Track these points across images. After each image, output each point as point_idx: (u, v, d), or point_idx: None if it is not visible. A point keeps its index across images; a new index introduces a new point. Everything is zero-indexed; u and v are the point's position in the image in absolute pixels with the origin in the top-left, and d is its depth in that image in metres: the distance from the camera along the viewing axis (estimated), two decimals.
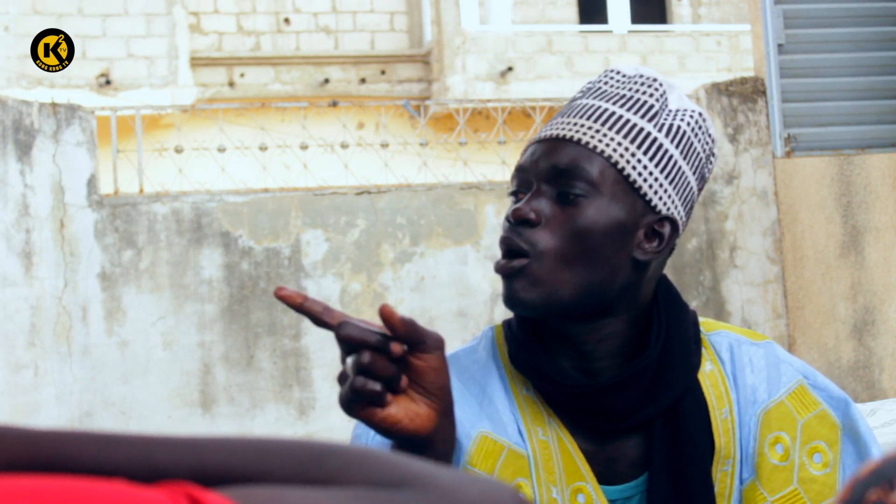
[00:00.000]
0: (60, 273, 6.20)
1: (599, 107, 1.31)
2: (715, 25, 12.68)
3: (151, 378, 6.26)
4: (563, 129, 1.30)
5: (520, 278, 1.26)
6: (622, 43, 12.04)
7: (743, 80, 6.99)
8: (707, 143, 1.34)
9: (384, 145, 7.00)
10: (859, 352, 6.18)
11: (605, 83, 1.34)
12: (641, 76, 1.33)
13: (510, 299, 1.27)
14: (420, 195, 6.61)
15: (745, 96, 6.94)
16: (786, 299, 6.84)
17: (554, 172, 1.27)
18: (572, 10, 12.91)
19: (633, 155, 1.28)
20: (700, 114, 1.33)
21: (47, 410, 6.08)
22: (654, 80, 1.33)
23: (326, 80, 11.96)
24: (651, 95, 1.31)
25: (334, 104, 7.09)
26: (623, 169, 1.27)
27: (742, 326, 1.45)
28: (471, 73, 11.60)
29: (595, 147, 1.27)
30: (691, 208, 1.33)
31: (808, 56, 4.76)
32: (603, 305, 1.28)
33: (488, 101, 7.73)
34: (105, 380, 6.21)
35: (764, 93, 6.83)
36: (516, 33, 11.89)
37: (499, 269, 1.28)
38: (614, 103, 1.31)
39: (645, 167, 1.28)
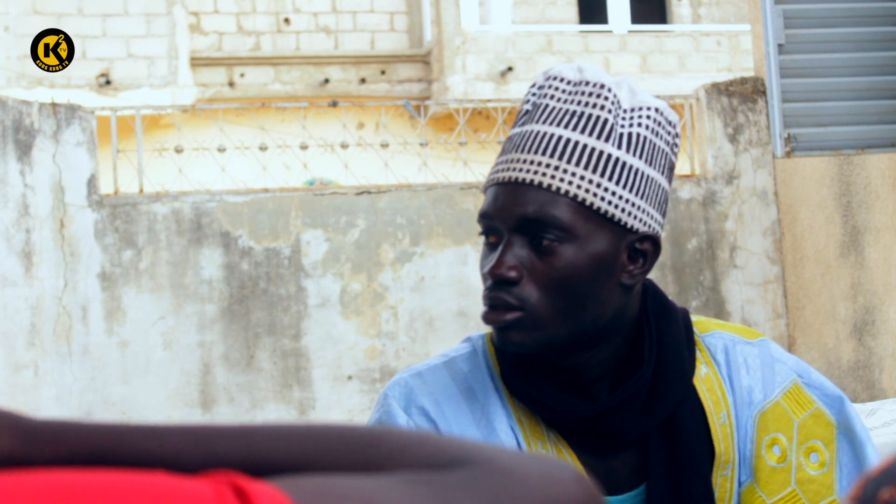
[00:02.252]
0: (60, 273, 6.20)
1: (552, 135, 1.26)
2: (715, 25, 12.67)
3: (151, 378, 6.26)
4: (522, 170, 1.25)
5: (513, 328, 1.25)
6: (622, 43, 12.04)
7: (743, 80, 6.99)
8: (669, 133, 1.30)
9: (384, 145, 7.00)
10: (859, 352, 6.18)
11: (551, 96, 1.29)
12: (587, 83, 1.28)
13: (504, 343, 1.26)
14: (420, 195, 6.61)
15: (745, 96, 6.94)
16: (786, 299, 6.83)
17: (523, 223, 1.24)
18: (572, 10, 12.90)
19: (598, 185, 1.24)
20: (656, 108, 1.28)
21: (47, 410, 6.08)
22: (601, 85, 1.27)
23: (326, 80, 11.96)
24: (602, 108, 1.26)
25: (334, 104, 7.09)
26: (592, 204, 1.24)
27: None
28: (471, 73, 11.60)
29: (559, 189, 1.23)
30: (666, 202, 1.31)
31: (808, 56, 4.75)
32: (597, 336, 1.28)
33: (488, 101, 7.72)
34: (105, 380, 6.20)
35: (764, 93, 6.83)
36: (516, 33, 11.89)
37: (489, 321, 1.26)
38: (566, 126, 1.26)
39: (613, 193, 1.24)
